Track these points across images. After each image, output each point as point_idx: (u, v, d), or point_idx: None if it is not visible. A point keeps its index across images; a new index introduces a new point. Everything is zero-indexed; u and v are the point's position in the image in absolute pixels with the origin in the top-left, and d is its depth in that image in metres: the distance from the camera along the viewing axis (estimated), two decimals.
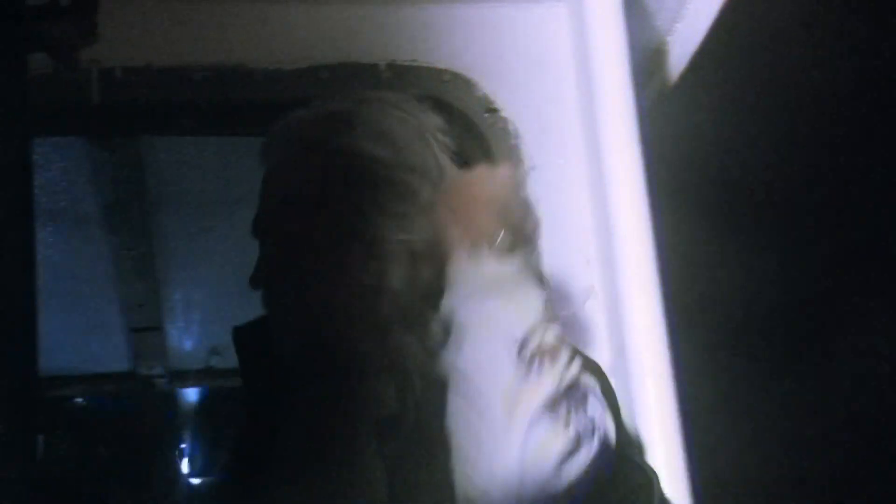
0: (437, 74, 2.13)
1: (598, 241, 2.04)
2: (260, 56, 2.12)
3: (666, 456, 1.71)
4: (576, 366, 1.50)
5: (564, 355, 1.50)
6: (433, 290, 1.57)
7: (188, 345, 4.16)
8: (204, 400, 5.02)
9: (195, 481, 5.08)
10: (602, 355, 1.98)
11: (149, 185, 2.97)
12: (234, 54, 2.12)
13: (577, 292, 2.01)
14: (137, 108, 2.15)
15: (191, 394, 5.00)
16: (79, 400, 4.81)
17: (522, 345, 1.48)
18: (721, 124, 2.33)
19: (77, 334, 3.85)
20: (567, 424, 1.47)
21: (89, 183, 2.96)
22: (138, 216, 3.11)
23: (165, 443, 5.09)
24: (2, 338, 1.36)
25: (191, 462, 5.13)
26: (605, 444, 1.51)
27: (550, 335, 1.50)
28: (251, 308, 1.74)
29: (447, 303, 1.54)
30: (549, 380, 1.47)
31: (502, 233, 1.50)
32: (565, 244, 2.07)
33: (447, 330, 1.55)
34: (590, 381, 1.55)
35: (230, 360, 1.94)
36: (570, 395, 1.49)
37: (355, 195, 1.59)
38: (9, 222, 1.51)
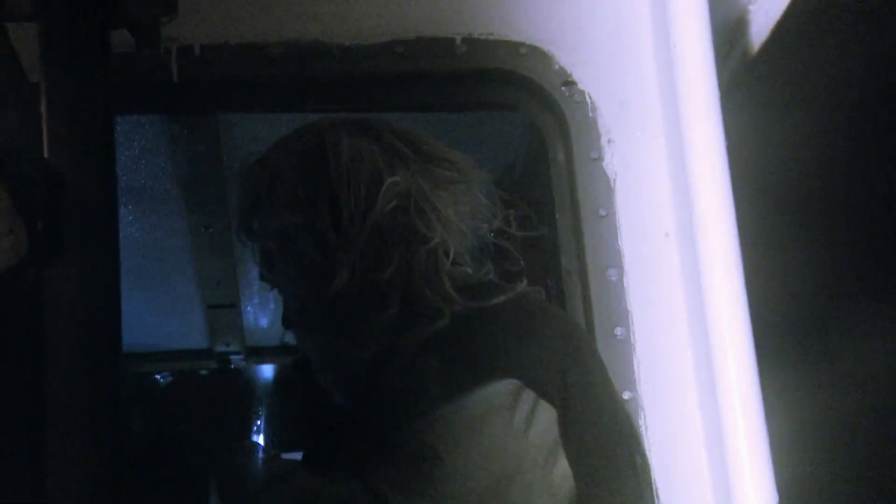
0: (514, 47, 2.12)
1: (677, 215, 2.03)
2: (337, 31, 2.13)
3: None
4: None
5: None
6: None
7: (263, 322, 4.20)
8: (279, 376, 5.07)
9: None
10: (680, 325, 1.97)
11: (226, 163, 2.99)
12: (311, 30, 2.13)
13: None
14: (215, 85, 2.17)
15: (266, 370, 5.06)
16: (157, 376, 4.88)
17: None
18: (800, 104, 2.28)
19: (155, 311, 3.91)
20: None
21: (168, 160, 2.99)
22: (215, 194, 3.14)
23: (241, 419, 5.15)
24: (88, 315, 1.38)
25: (266, 437, 5.19)
26: None
27: None
28: None
29: None
30: None
31: None
32: (643, 218, 2.06)
33: None
34: None
35: None
36: None
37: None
38: (96, 200, 1.53)
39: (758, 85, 2.03)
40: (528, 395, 1.54)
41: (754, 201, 1.91)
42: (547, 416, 1.54)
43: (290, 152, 1.79)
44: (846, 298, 2.71)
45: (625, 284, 2.05)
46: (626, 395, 1.94)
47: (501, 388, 1.54)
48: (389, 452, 1.55)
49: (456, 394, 1.54)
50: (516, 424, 1.53)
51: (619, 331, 2.02)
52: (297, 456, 1.91)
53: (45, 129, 1.33)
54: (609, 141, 2.08)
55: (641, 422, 1.94)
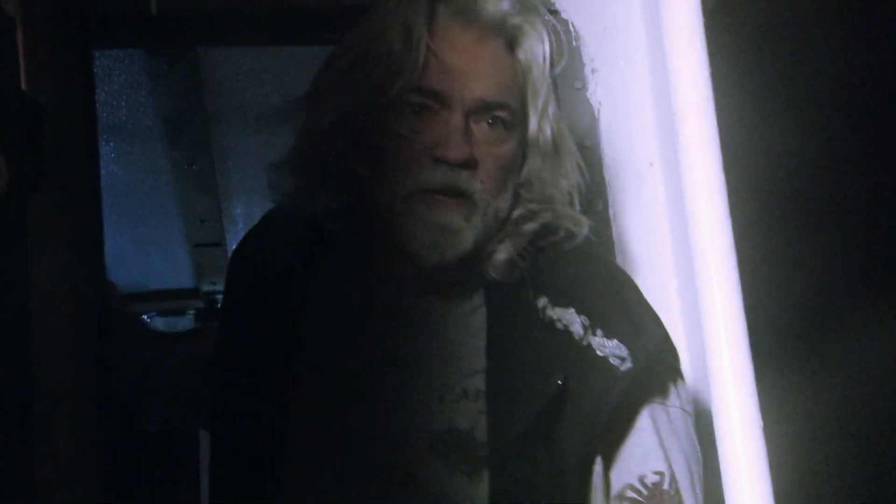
0: None
1: (661, 144, 2.02)
2: None
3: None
4: None
5: None
6: None
7: None
8: None
9: None
10: (665, 256, 1.97)
11: (208, 99, 2.97)
12: None
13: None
14: (196, 18, 2.14)
15: None
16: (143, 316, 4.87)
17: None
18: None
19: (140, 251, 3.89)
20: None
21: (149, 96, 2.96)
22: (198, 130, 3.12)
23: None
24: (71, 254, 1.38)
25: None
26: None
27: None
28: None
29: None
30: None
31: None
32: (628, 146, 2.05)
33: None
34: None
35: None
36: None
37: None
38: (74, 137, 1.52)
39: (743, 8, 2.02)
40: None
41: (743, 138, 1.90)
42: None
43: None
44: (843, 294, 2.70)
45: (610, 215, 2.05)
46: None
47: None
48: None
49: None
50: None
51: None
52: None
53: (21, 61, 1.32)
54: (593, 70, 2.07)
55: None
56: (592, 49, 2.06)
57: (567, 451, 1.51)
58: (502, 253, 1.63)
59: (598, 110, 2.08)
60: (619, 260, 2.01)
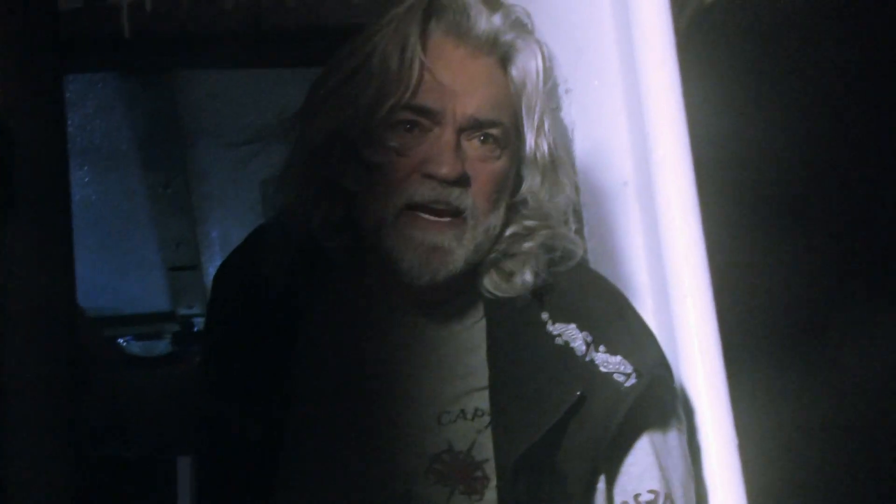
0: None
1: (635, 163, 2.03)
2: None
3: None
4: None
5: None
6: None
7: None
8: None
9: None
10: (640, 276, 1.97)
11: (183, 121, 2.96)
12: None
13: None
14: (169, 41, 2.14)
15: None
16: (119, 340, 4.85)
17: None
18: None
19: (116, 274, 3.88)
20: None
21: (123, 119, 2.95)
22: (173, 153, 3.11)
23: None
24: (42, 279, 1.37)
25: None
26: None
27: None
28: None
29: None
30: None
31: None
32: (602, 166, 2.05)
33: None
34: None
35: None
36: None
37: None
38: (44, 161, 1.51)
39: (714, 28, 2.03)
40: None
41: (716, 150, 1.91)
42: None
43: None
44: (817, 309, 2.71)
45: (585, 234, 2.05)
46: None
47: None
48: None
49: None
50: None
51: None
52: None
53: None
54: (566, 91, 2.07)
55: None
56: (566, 69, 2.05)
57: (573, 469, 1.50)
58: (498, 269, 1.63)
59: (573, 130, 2.08)
60: None
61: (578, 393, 1.50)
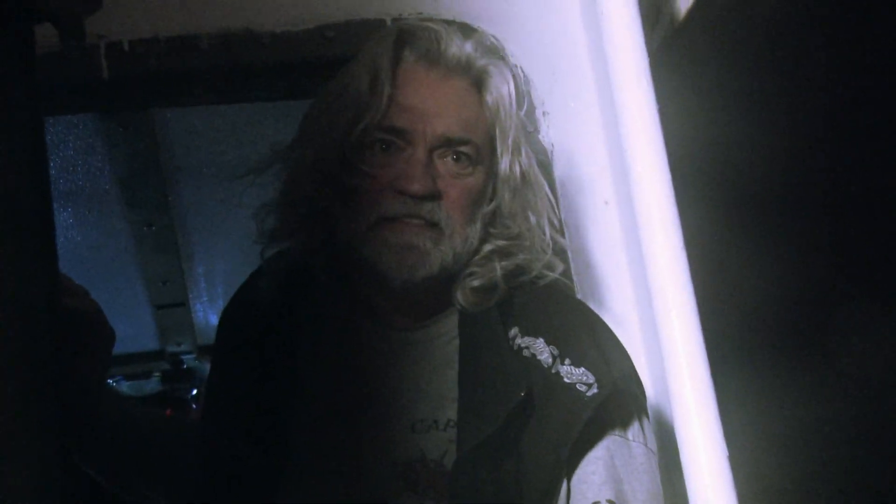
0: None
1: (615, 182, 2.04)
2: (266, 19, 2.11)
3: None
4: None
5: None
6: None
7: (214, 319, 4.17)
8: None
9: None
10: (625, 293, 1.99)
11: (164, 159, 2.97)
12: (240, 19, 2.12)
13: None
14: (147, 80, 2.15)
15: None
16: (109, 381, 4.82)
17: None
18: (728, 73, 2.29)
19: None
20: None
21: (105, 160, 2.96)
22: (156, 191, 3.11)
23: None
24: (25, 325, 1.37)
25: None
26: None
27: None
28: None
29: None
30: None
31: None
32: (582, 186, 2.07)
33: None
34: None
35: None
36: None
37: None
38: (27, 206, 1.51)
39: (687, 50, 2.05)
40: None
41: (691, 167, 1.93)
42: None
43: None
44: (800, 318, 2.72)
45: (568, 255, 2.06)
46: None
47: None
48: None
49: None
50: None
51: None
52: None
53: None
54: (544, 113, 2.09)
55: None
56: (542, 92, 2.08)
57: (533, 475, 1.54)
58: (473, 284, 1.69)
59: (552, 152, 2.10)
60: (579, 296, 2.02)
61: (522, 394, 1.56)
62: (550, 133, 2.09)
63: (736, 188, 2.37)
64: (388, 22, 2.13)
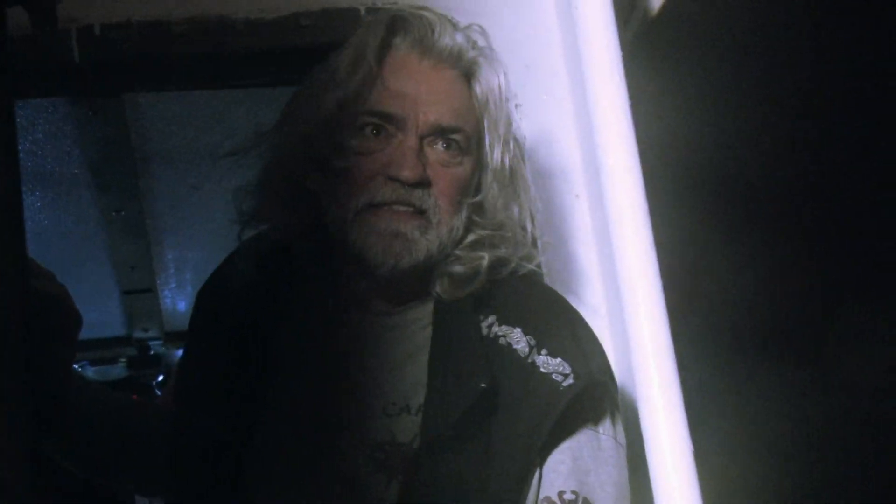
0: None
1: (587, 175, 2.05)
2: (240, 6, 2.11)
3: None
4: None
5: None
6: None
7: (182, 306, 4.16)
8: None
9: None
10: (595, 286, 1.99)
11: (135, 144, 2.95)
12: (215, 6, 2.11)
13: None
14: (118, 65, 2.13)
15: None
16: (75, 366, 4.77)
17: None
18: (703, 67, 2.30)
19: None
20: None
21: (75, 144, 2.93)
22: (126, 176, 3.09)
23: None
24: None
25: None
26: None
27: None
28: None
29: None
30: None
31: None
32: (554, 179, 2.08)
33: None
34: None
35: None
36: None
37: None
38: None
39: (661, 44, 2.06)
40: None
41: (665, 163, 1.94)
42: None
43: None
44: (771, 319, 2.73)
45: (539, 248, 2.07)
46: None
47: None
48: None
49: None
50: None
51: None
52: None
53: None
54: (517, 106, 2.09)
55: None
56: (515, 85, 2.07)
57: (505, 462, 1.55)
58: (456, 271, 1.71)
59: (524, 145, 2.10)
60: None
61: (483, 385, 1.57)
62: (523, 126, 2.10)
63: (707, 183, 2.39)
64: (363, 11, 2.12)
